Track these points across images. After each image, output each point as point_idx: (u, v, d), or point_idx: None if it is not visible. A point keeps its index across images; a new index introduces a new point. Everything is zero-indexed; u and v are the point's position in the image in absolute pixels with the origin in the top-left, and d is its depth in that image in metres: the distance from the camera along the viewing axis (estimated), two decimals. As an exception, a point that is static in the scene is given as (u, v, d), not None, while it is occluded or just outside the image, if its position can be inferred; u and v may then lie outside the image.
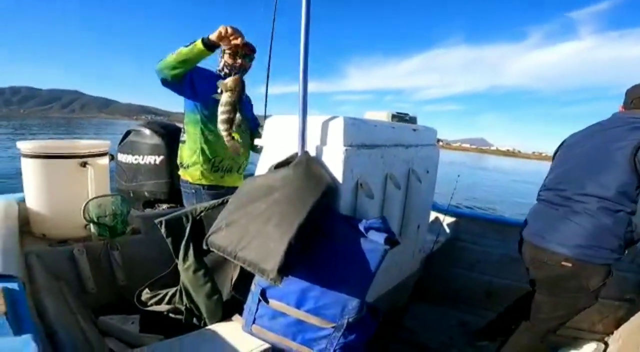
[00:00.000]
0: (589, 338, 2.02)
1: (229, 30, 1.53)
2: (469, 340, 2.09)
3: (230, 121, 1.51)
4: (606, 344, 1.96)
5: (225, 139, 1.57)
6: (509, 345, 1.70)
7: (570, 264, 1.38)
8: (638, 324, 1.72)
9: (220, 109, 1.49)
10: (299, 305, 1.11)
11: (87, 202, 1.70)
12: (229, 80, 1.48)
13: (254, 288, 1.18)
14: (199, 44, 1.57)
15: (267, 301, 1.14)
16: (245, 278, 1.23)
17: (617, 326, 2.00)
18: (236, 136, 1.67)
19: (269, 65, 2.55)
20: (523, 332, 1.65)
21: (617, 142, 1.34)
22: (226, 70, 1.88)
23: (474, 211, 3.21)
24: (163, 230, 1.16)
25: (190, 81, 1.77)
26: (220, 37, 1.55)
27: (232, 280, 1.33)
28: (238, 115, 1.53)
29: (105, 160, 1.91)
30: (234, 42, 1.57)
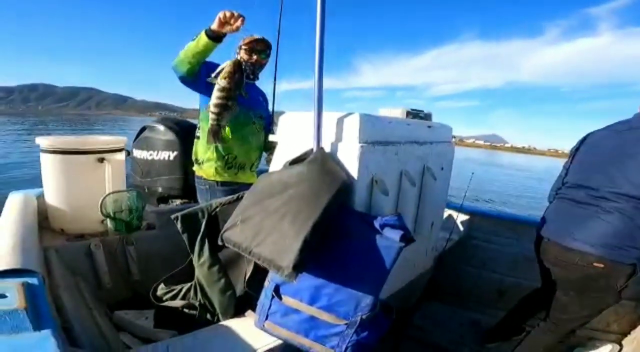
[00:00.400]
0: (604, 339, 1.98)
1: (227, 14, 1.47)
2: (480, 340, 2.07)
3: (223, 107, 1.47)
4: (621, 345, 1.92)
5: (210, 122, 1.53)
6: (526, 346, 1.67)
7: (602, 265, 1.35)
8: None
9: (215, 94, 1.46)
10: (312, 302, 1.10)
11: (104, 198, 1.73)
12: (225, 65, 1.43)
13: (268, 284, 1.18)
14: (203, 36, 1.54)
15: (280, 298, 1.14)
16: (259, 274, 1.23)
17: (633, 327, 1.95)
18: (227, 131, 1.65)
19: (276, 61, 2.53)
20: (543, 333, 1.62)
21: None
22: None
23: (487, 209, 3.16)
24: (179, 225, 1.17)
25: (206, 78, 1.78)
26: (221, 24, 1.49)
27: (245, 276, 1.33)
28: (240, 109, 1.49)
29: (121, 156, 1.93)
30: (235, 25, 1.49)
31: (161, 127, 2.36)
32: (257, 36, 1.90)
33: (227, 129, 1.69)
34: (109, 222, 1.79)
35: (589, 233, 1.38)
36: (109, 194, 1.75)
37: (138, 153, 2.40)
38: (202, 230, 1.19)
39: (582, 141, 1.62)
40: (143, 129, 2.44)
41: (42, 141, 1.78)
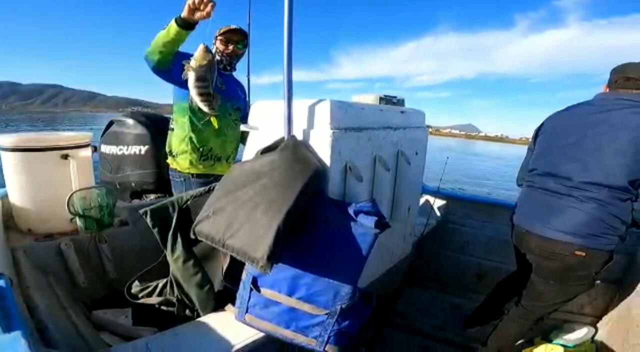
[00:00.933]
0: (579, 321, 2.02)
1: (196, 0, 1.41)
2: (462, 324, 2.10)
3: (207, 94, 1.42)
4: (596, 328, 1.96)
5: (206, 109, 1.48)
6: (500, 331, 1.69)
7: (583, 254, 1.36)
8: (626, 307, 1.72)
9: (194, 84, 1.40)
10: (291, 293, 1.10)
11: (71, 195, 1.66)
12: (195, 53, 1.38)
13: (245, 277, 1.17)
14: (173, 24, 1.49)
15: (258, 290, 1.13)
16: (237, 267, 1.21)
17: (606, 308, 2.00)
18: (214, 121, 1.63)
19: (248, 53, 2.49)
20: (516, 319, 1.64)
21: (623, 129, 1.30)
22: (218, 58, 1.84)
23: (463, 193, 3.23)
24: (148, 220, 1.14)
25: (180, 68, 1.73)
26: (191, 10, 1.44)
27: (222, 269, 1.32)
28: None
29: (87, 152, 1.86)
30: (206, 10, 1.43)
31: (130, 121, 2.29)
32: (233, 26, 1.86)
33: (214, 120, 1.65)
34: (78, 220, 1.72)
35: (567, 223, 1.38)
36: (75, 191, 1.69)
37: (106, 148, 2.32)
38: (173, 224, 1.16)
39: (542, 126, 1.61)
40: (111, 124, 2.36)
41: (2, 139, 1.69)
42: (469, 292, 2.39)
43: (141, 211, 1.14)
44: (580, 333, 1.90)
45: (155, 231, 1.15)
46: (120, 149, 2.27)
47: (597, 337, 1.89)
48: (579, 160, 1.39)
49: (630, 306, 1.67)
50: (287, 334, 1.12)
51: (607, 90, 1.48)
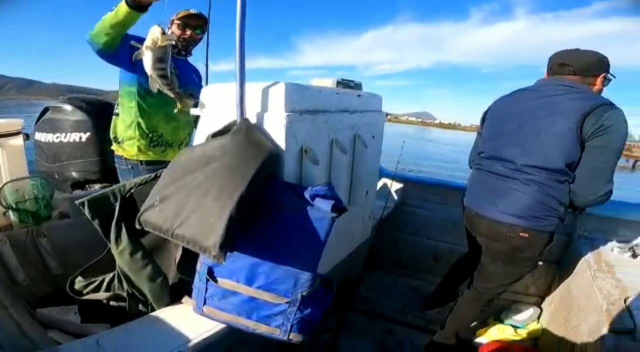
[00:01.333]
0: (525, 302, 2.13)
1: None
2: (422, 306, 2.15)
3: (166, 76, 1.38)
4: (541, 308, 2.08)
5: (168, 92, 1.44)
6: (455, 314, 1.74)
7: (527, 235, 1.42)
8: (567, 288, 1.82)
9: (154, 65, 1.34)
10: (249, 282, 1.07)
11: (1, 187, 1.51)
12: (151, 34, 1.30)
13: (200, 267, 1.12)
14: (123, 5, 1.38)
15: (215, 280, 1.09)
16: (191, 257, 1.16)
17: (549, 289, 2.12)
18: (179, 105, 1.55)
19: (207, 39, 2.37)
20: (470, 302, 1.70)
21: (560, 114, 1.35)
22: (173, 42, 1.73)
23: (419, 176, 3.32)
24: (87, 212, 1.04)
25: (128, 51, 1.60)
26: None
27: (175, 260, 1.25)
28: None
29: (18, 141, 1.70)
30: None
31: (68, 107, 2.10)
32: (192, 11, 1.76)
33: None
34: (11, 214, 1.57)
35: (512, 205, 1.43)
36: (6, 183, 1.53)
37: (42, 136, 2.12)
38: (116, 214, 1.07)
39: (489, 110, 1.66)
40: (46, 110, 2.15)
41: None
42: (427, 274, 2.45)
43: (77, 202, 1.04)
44: (528, 314, 2.01)
45: (95, 222, 1.07)
46: (57, 137, 2.08)
47: (542, 317, 2.01)
48: (520, 145, 1.44)
49: (571, 287, 1.77)
50: (248, 324, 1.09)
51: (547, 76, 1.54)
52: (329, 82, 1.73)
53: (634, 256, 1.73)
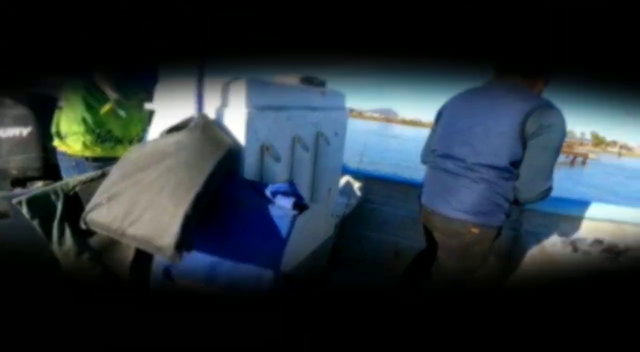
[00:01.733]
0: None
1: None
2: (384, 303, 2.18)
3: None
4: None
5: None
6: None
7: (477, 231, 1.47)
8: (520, 283, 1.91)
9: None
10: (209, 281, 1.03)
11: None
12: None
13: (155, 268, 1.07)
14: None
15: (172, 280, 1.04)
16: (145, 257, 1.10)
17: (499, 281, 2.17)
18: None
19: None
20: (428, 295, 1.73)
21: (505, 114, 1.40)
22: None
23: (381, 173, 3.38)
24: (25, 211, 0.95)
25: None
26: None
27: (128, 262, 1.18)
28: None
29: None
30: None
31: (7, 101, 1.94)
32: None
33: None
34: (-61, 215, 1.41)
35: (464, 202, 1.48)
36: None
37: (-23, 131, 1.93)
38: (58, 214, 0.99)
39: (444, 108, 1.70)
40: None
41: None
42: (389, 271, 2.47)
43: (14, 201, 0.95)
44: None
45: (35, 222, 0.98)
46: (-6, 132, 1.91)
47: None
48: (471, 144, 1.49)
49: (521, 280, 1.87)
50: None
51: (494, 76, 1.58)
52: (292, 79, 1.70)
53: (575, 250, 1.86)
